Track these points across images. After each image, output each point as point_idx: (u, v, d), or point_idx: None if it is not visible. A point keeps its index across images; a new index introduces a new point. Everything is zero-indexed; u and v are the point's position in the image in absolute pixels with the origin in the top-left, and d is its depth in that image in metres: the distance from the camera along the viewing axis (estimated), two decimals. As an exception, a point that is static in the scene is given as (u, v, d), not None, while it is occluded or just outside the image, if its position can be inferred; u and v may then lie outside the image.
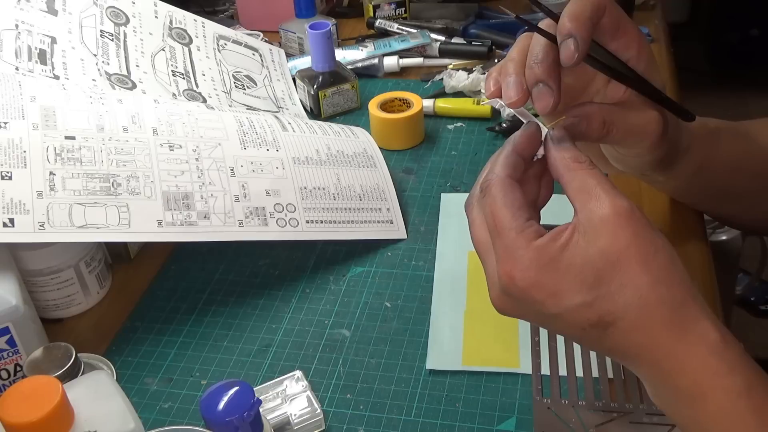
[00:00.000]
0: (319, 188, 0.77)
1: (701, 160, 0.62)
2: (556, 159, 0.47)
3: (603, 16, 0.50)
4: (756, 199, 0.68)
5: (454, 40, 1.10)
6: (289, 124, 0.83)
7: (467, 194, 0.50)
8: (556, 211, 0.51)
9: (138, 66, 0.88)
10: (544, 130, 0.50)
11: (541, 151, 0.49)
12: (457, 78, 0.99)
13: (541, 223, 0.46)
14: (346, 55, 1.07)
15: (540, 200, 0.50)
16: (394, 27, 1.15)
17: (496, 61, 1.03)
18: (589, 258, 0.43)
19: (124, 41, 0.89)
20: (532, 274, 0.43)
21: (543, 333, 0.62)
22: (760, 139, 0.67)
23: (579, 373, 0.58)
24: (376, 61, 1.07)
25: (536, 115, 0.52)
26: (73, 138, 0.69)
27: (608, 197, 0.43)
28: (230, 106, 0.92)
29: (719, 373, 0.42)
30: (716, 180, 0.65)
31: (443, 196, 0.82)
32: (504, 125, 0.91)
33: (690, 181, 0.64)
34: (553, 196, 0.51)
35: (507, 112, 0.91)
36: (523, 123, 0.50)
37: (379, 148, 0.86)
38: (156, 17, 0.94)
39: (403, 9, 1.18)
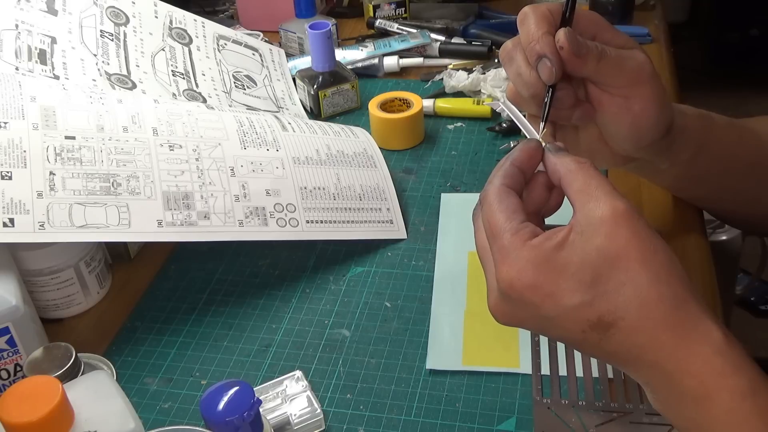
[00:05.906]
0: (319, 188, 0.77)
1: (698, 142, 0.62)
2: (556, 163, 0.47)
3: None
4: (754, 194, 0.68)
5: (454, 40, 1.10)
6: (289, 124, 0.83)
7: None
8: (559, 212, 0.51)
9: (138, 66, 0.88)
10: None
11: (541, 167, 0.50)
12: (457, 78, 0.99)
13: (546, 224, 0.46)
14: (346, 55, 1.06)
15: (546, 210, 0.50)
16: (394, 27, 1.15)
17: (496, 61, 1.03)
18: (587, 256, 0.42)
19: (124, 41, 0.89)
20: (529, 274, 0.43)
21: (543, 333, 0.62)
22: (756, 129, 0.68)
23: (579, 373, 0.58)
24: (376, 61, 1.07)
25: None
26: (73, 138, 0.69)
27: (608, 198, 0.43)
28: (230, 106, 0.92)
29: (724, 373, 0.41)
30: (713, 167, 0.65)
31: (443, 196, 0.82)
32: (504, 125, 0.91)
33: (689, 167, 0.64)
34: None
35: (506, 114, 0.91)
36: (517, 126, 0.53)
37: (379, 148, 0.86)
38: (156, 17, 0.94)
39: (403, 9, 1.18)
